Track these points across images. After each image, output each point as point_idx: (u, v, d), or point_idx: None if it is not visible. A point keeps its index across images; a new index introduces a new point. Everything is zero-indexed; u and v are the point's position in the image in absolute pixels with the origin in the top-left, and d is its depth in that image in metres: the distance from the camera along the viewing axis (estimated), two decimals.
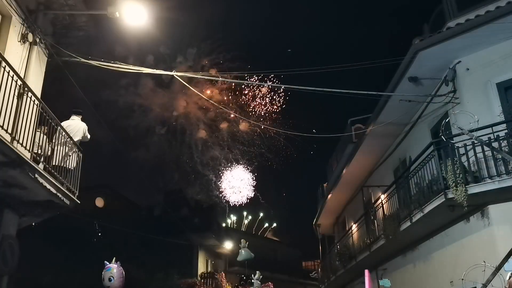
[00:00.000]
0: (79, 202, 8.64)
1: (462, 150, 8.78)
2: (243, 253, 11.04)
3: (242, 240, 11.26)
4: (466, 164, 8.71)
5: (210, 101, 14.69)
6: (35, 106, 7.11)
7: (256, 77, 12.17)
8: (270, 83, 13.26)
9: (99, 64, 9.10)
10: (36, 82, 8.34)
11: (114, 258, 6.51)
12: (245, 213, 38.72)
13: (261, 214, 39.18)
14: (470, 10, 10.06)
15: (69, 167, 8.51)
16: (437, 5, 11.44)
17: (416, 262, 11.92)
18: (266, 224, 40.36)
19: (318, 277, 24.42)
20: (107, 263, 6.45)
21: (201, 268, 27.72)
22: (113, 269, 6.38)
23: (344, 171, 17.35)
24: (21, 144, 6.60)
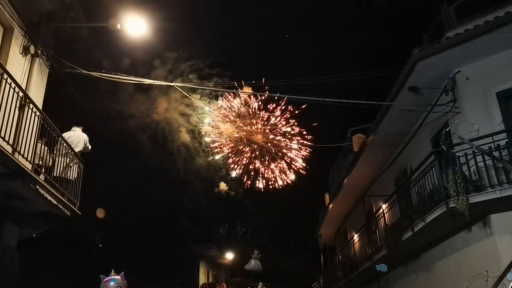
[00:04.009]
0: (80, 213, 8.64)
1: (463, 159, 8.78)
2: (252, 263, 10.89)
3: (255, 250, 11.13)
4: (467, 173, 8.70)
5: (211, 111, 14.73)
6: (36, 117, 7.14)
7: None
8: (272, 94, 13.27)
9: (100, 75, 9.15)
10: (37, 94, 8.38)
11: (113, 270, 6.36)
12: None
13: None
14: (469, 20, 10.12)
15: (70, 178, 8.51)
16: (436, 16, 11.51)
17: (419, 272, 11.85)
18: None
19: None
20: (104, 276, 6.25)
21: (202, 279, 27.61)
22: (117, 279, 6.24)
23: (345, 181, 17.33)
24: (22, 156, 6.61)
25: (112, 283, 6.09)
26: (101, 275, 6.20)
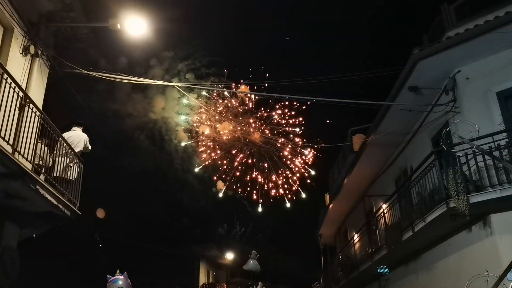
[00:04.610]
0: (80, 213, 8.64)
1: (463, 159, 8.78)
2: (251, 264, 10.93)
3: (253, 251, 11.18)
4: (467, 173, 8.69)
5: (210, 110, 14.72)
6: (36, 117, 7.14)
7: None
8: (271, 94, 13.24)
9: (100, 75, 9.15)
10: (37, 94, 8.38)
11: (118, 270, 6.50)
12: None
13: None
14: (469, 20, 10.12)
15: (70, 178, 8.51)
16: (436, 16, 11.50)
17: (419, 272, 11.84)
18: None
19: None
20: (110, 276, 6.41)
21: (202, 279, 27.62)
22: (119, 280, 6.38)
23: (345, 181, 17.32)
24: (23, 156, 6.61)
25: (120, 282, 6.25)
26: (107, 275, 6.37)
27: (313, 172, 16.15)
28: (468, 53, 9.61)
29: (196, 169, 15.94)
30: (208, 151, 15.81)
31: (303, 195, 16.40)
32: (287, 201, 16.51)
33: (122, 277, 6.37)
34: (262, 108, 15.76)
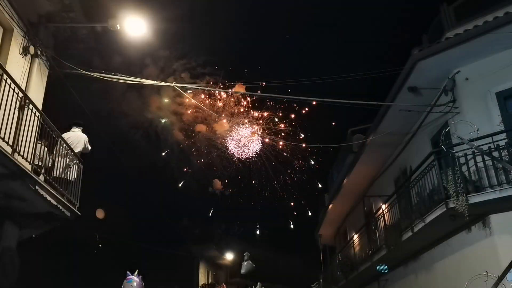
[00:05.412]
0: (79, 213, 8.64)
1: (462, 160, 8.78)
2: (246, 266, 10.99)
3: (245, 253, 11.23)
4: (466, 173, 8.69)
5: (209, 110, 14.75)
6: (36, 118, 7.14)
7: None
8: (269, 94, 13.24)
9: (100, 76, 9.15)
10: (37, 94, 8.38)
11: (137, 270, 6.66)
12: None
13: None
14: (469, 20, 10.11)
15: (70, 179, 8.51)
16: (435, 16, 11.51)
17: (418, 272, 11.85)
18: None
19: None
20: (129, 273, 6.61)
21: (202, 279, 27.61)
22: (134, 281, 6.54)
23: (345, 181, 17.33)
24: (22, 156, 6.61)
25: (134, 284, 6.40)
26: (127, 271, 6.55)
27: (320, 185, 16.17)
28: (467, 53, 9.62)
29: (180, 184, 15.95)
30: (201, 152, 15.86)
31: (309, 213, 16.47)
32: (290, 222, 16.62)
33: (138, 279, 6.52)
34: (257, 111, 15.79)
